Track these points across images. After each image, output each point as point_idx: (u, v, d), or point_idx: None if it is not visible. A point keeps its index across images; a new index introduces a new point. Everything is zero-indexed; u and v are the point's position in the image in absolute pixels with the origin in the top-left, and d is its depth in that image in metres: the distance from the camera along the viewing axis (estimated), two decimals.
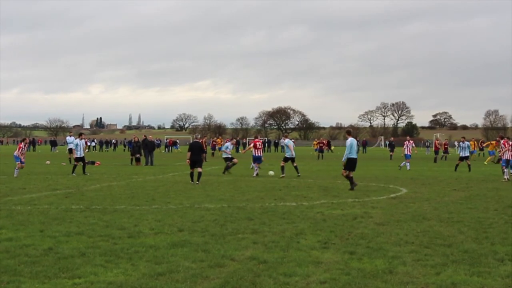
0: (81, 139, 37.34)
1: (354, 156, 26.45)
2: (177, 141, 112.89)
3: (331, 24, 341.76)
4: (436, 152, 63.07)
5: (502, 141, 36.39)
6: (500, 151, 35.32)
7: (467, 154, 42.98)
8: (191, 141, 34.49)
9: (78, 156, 36.28)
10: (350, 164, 26.41)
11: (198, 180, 28.60)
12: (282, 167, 34.53)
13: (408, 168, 44.23)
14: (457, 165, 42.51)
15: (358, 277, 9.66)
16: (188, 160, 29.38)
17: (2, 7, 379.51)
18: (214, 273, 9.89)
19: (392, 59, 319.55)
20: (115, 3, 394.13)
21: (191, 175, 29.09)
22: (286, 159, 35.17)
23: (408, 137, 50.47)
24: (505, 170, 33.01)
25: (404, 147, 47.46)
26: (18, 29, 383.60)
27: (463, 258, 11.15)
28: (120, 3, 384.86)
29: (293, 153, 35.35)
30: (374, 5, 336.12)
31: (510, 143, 35.66)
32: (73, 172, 35.65)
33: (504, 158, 33.98)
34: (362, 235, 13.70)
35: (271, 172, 36.16)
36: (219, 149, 79.43)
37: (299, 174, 35.02)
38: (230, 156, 39.41)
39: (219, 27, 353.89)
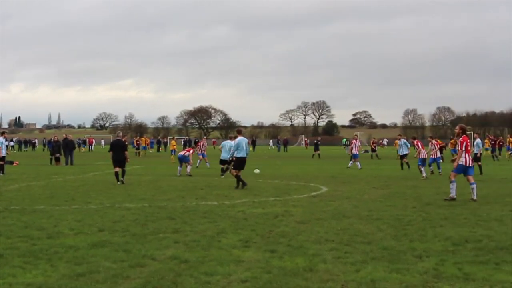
0: (4, 138, 36.57)
1: (243, 155, 26.51)
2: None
3: (255, 23, 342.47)
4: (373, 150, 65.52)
5: (415, 141, 37.33)
6: (417, 151, 35.88)
7: (406, 152, 42.83)
8: (112, 140, 33.93)
9: (2, 155, 35.63)
10: (238, 163, 26.59)
11: (122, 177, 28.34)
12: (222, 169, 34.17)
13: (360, 167, 44.00)
14: (401, 164, 42.66)
15: (279, 275, 9.70)
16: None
17: None
18: (135, 273, 9.83)
19: (315, 59, 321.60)
20: (38, 1, 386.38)
21: (116, 174, 28.73)
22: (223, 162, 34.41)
23: (355, 136, 50.30)
24: (421, 168, 33.67)
25: (352, 146, 47.60)
26: None
27: (382, 255, 11.30)
28: (44, 1, 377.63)
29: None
30: (298, 5, 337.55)
31: (434, 142, 36.50)
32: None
33: (420, 157, 34.71)
34: (283, 234, 13.76)
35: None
36: (143, 148, 79.23)
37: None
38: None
39: (143, 26, 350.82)
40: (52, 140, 54.88)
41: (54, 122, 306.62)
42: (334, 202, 20.50)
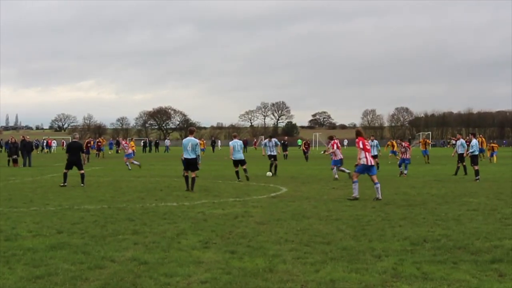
0: None
1: (187, 156, 25.90)
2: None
3: (217, 24, 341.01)
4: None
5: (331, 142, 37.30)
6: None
7: (375, 153, 42.34)
8: (69, 141, 33.58)
9: None
10: (184, 163, 26.27)
11: (82, 183, 28.07)
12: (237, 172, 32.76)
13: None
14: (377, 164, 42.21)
15: (239, 276, 9.71)
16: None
17: None
18: (94, 275, 9.77)
19: (277, 60, 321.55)
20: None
21: (65, 175, 28.46)
22: None
23: (333, 136, 48.91)
24: (334, 169, 33.45)
25: (328, 146, 46.93)
26: None
27: (342, 255, 11.35)
28: (3, 1, 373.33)
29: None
30: (260, 5, 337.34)
31: (404, 144, 36.61)
32: None
33: (335, 159, 34.41)
34: (242, 234, 13.78)
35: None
36: (101, 149, 78.72)
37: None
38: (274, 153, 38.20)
39: (104, 26, 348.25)
40: (9, 142, 54.40)
41: (11, 124, 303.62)
42: (293, 202, 20.56)
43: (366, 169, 22.04)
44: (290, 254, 11.46)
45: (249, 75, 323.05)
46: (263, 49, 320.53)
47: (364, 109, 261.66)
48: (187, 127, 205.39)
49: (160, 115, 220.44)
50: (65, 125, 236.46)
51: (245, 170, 31.71)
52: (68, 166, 28.55)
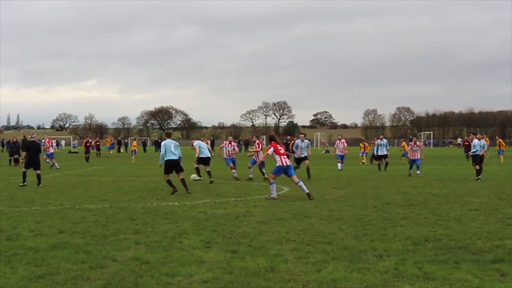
0: None
1: (170, 157, 25.39)
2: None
3: (218, 24, 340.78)
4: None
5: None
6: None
7: (385, 152, 41.88)
8: (27, 141, 32.56)
9: None
10: (167, 166, 25.50)
11: (39, 183, 27.96)
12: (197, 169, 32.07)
13: (340, 168, 42.83)
14: (379, 165, 41.98)
15: (240, 275, 9.70)
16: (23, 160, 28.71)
17: None
18: (95, 275, 9.77)
19: (278, 60, 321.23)
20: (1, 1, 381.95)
21: (24, 175, 28.37)
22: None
23: (339, 136, 48.03)
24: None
25: (335, 147, 46.35)
26: None
27: (343, 255, 11.34)
28: (7, 1, 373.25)
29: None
30: (261, 6, 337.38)
31: (418, 143, 36.20)
32: None
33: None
34: (244, 234, 13.77)
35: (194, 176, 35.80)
36: (108, 148, 78.80)
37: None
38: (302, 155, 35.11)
39: (106, 27, 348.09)
40: (11, 141, 54.38)
41: (13, 123, 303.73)
42: (295, 202, 20.54)
43: (282, 170, 22.55)
44: (292, 254, 11.45)
45: (250, 75, 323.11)
46: (264, 49, 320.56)
47: (365, 108, 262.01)
48: (189, 127, 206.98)
49: (162, 114, 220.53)
50: (67, 125, 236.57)
51: (209, 172, 31.29)
52: (27, 165, 28.35)
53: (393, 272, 9.89)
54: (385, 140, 42.51)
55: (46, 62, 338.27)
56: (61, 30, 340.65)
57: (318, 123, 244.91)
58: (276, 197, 21.86)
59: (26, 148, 29.24)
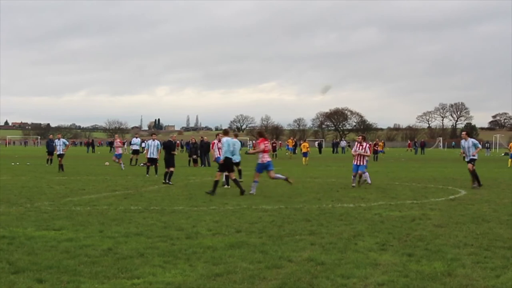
0: (154, 140, 36.66)
1: (228, 155, 24.76)
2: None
3: (400, 25, 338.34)
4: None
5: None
6: None
7: None
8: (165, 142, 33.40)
9: (150, 157, 36.14)
10: (224, 164, 25.02)
11: (168, 179, 30.21)
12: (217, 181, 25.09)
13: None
14: None
15: (416, 279, 9.58)
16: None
17: (79, 10, 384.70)
18: (271, 274, 9.89)
19: (459, 61, 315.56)
20: (190, 4, 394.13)
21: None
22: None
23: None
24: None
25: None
26: (93, 33, 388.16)
27: None
28: (195, 4, 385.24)
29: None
30: (445, 5, 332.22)
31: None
32: (147, 173, 36.01)
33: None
34: (420, 237, 13.58)
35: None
36: (290, 149, 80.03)
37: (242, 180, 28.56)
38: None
39: (290, 30, 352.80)
40: (190, 142, 55.82)
41: (192, 124, 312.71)
42: (473, 205, 20.07)
43: (264, 168, 23.96)
44: (470, 258, 11.20)
45: (430, 76, 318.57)
46: (447, 51, 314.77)
47: None
48: (364, 129, 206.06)
49: (337, 116, 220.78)
50: (243, 126, 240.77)
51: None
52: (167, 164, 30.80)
53: None
54: None
55: (228, 65, 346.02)
56: (245, 34, 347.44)
57: (497, 124, 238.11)
58: (254, 193, 23.53)
59: (163, 148, 32.03)
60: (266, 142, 24.69)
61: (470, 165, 27.67)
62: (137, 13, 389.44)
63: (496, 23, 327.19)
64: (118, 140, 49.99)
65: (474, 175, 27.66)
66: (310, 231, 14.39)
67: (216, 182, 24.37)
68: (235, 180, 24.73)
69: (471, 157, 27.81)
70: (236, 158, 25.53)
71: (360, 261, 10.94)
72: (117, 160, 46.35)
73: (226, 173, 26.34)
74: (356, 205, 20.15)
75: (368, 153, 28.33)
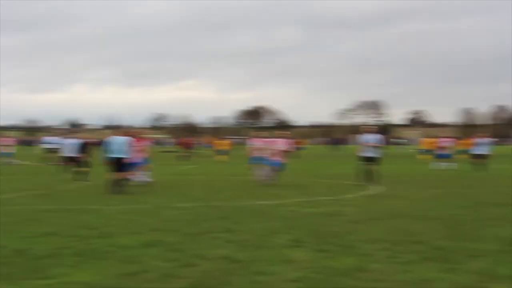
0: (70, 138, 35.36)
1: (114, 155, 24.15)
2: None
3: (319, 23, 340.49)
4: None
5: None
6: None
7: (485, 151, 40.57)
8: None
9: (66, 155, 34.89)
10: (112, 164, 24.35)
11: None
12: None
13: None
14: (477, 164, 40.47)
15: (329, 275, 9.66)
16: None
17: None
18: (186, 273, 9.87)
19: (374, 59, 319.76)
20: (111, 2, 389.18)
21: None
22: None
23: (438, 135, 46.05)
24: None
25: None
26: (12, 30, 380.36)
27: (435, 255, 11.18)
28: (117, 2, 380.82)
29: None
30: (363, 5, 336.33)
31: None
32: (62, 172, 35.23)
33: None
34: (334, 233, 13.68)
35: None
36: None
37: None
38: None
39: (209, 28, 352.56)
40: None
41: (111, 123, 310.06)
42: (388, 201, 20.35)
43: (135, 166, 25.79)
44: (382, 254, 11.34)
45: (347, 74, 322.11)
46: (361, 49, 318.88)
47: (461, 107, 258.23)
48: (281, 126, 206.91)
49: (254, 114, 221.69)
50: (164, 124, 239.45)
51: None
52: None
53: (486, 273, 9.69)
54: (486, 139, 41.44)
55: (148, 63, 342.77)
56: (164, 32, 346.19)
57: (413, 122, 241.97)
58: None
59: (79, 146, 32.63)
60: (142, 142, 26.97)
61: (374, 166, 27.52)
62: (57, 10, 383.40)
63: (414, 22, 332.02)
64: (3, 138, 49.87)
65: (369, 174, 27.55)
66: (227, 229, 14.38)
67: (111, 182, 23.87)
68: (122, 180, 24.01)
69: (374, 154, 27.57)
70: (123, 155, 24.10)
71: (274, 258, 10.98)
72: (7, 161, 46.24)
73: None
74: (273, 202, 20.22)
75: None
